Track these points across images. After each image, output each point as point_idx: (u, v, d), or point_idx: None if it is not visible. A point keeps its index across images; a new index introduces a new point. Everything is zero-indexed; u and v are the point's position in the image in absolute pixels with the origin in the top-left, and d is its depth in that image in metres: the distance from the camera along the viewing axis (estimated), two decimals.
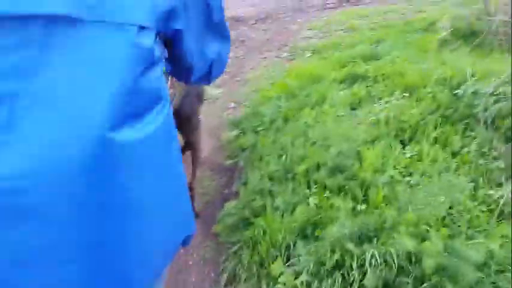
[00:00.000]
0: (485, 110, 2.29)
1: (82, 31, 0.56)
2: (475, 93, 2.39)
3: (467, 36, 4.31)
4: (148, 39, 0.62)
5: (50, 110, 0.55)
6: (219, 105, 3.86)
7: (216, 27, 0.86)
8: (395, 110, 2.52)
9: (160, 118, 0.67)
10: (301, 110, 2.85)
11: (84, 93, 0.57)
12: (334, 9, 6.55)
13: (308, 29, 5.64)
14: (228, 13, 6.17)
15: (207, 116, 3.63)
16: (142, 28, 0.61)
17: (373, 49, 3.78)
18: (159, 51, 0.67)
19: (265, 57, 4.88)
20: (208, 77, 0.96)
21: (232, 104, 3.85)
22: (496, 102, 2.25)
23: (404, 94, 2.67)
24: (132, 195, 0.64)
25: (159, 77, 0.67)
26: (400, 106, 2.56)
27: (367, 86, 2.99)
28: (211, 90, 3.88)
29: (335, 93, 2.95)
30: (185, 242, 0.84)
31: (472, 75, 2.56)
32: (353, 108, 2.81)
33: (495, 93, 2.29)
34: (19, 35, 0.53)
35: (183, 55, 0.79)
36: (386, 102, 2.61)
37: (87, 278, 0.63)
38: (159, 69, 0.67)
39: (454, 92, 2.55)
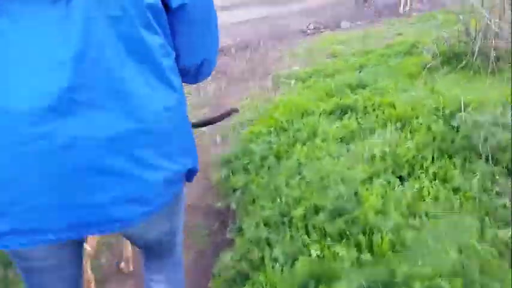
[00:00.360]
0: (484, 141, 2.22)
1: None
2: (470, 124, 2.33)
3: (450, 58, 4.31)
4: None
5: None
6: (205, 140, 3.74)
7: (215, 28, 1.03)
8: (390, 144, 2.44)
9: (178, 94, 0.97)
10: (293, 145, 2.75)
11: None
12: (313, 35, 6.57)
13: (290, 57, 5.61)
14: None
15: None
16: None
17: (359, 77, 3.73)
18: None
19: (248, 88, 4.80)
20: (196, 76, 1.09)
21: (219, 139, 3.74)
22: (494, 133, 2.19)
23: (398, 126, 2.60)
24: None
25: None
26: (394, 139, 2.48)
27: (357, 118, 2.92)
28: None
29: (326, 127, 2.87)
30: (189, 178, 1.09)
31: (465, 104, 2.51)
32: (346, 142, 2.72)
33: (492, 123, 2.23)
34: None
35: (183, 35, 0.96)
36: (381, 136, 2.53)
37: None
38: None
39: (449, 123, 2.48)
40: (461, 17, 4.22)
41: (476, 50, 3.91)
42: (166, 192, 0.98)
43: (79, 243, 1.10)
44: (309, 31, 6.77)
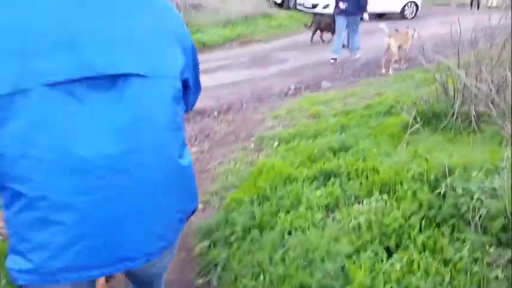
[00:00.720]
0: (472, 210, 2.17)
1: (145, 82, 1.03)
2: (457, 191, 2.28)
3: (430, 118, 4.36)
4: (179, 83, 1.13)
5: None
6: None
7: (198, 76, 1.34)
8: (376, 213, 2.37)
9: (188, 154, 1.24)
10: (276, 214, 2.66)
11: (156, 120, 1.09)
12: (294, 96, 6.65)
13: (272, 118, 5.63)
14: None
15: None
16: (176, 77, 1.11)
17: (341, 139, 3.71)
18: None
19: (231, 150, 4.75)
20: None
21: (201, 205, 3.62)
22: (482, 201, 2.13)
23: (383, 195, 2.53)
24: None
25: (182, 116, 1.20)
26: (380, 208, 2.41)
27: (341, 184, 2.86)
28: None
29: (309, 193, 2.79)
30: (190, 216, 1.33)
31: (450, 169, 2.48)
32: (330, 210, 2.64)
33: (479, 190, 2.18)
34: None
35: (188, 92, 1.27)
36: (366, 204, 2.46)
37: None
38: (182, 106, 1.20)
39: (435, 190, 2.43)
40: (438, 77, 4.31)
41: (456, 110, 3.97)
42: (178, 229, 1.26)
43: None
44: (290, 92, 6.87)
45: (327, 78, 7.55)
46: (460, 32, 4.31)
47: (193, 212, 1.35)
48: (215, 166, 4.38)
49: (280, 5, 16.73)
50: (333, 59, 8.72)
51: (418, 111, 4.42)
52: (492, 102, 3.76)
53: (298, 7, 16.50)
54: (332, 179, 2.94)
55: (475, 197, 2.21)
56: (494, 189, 2.20)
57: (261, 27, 12.46)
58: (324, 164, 3.21)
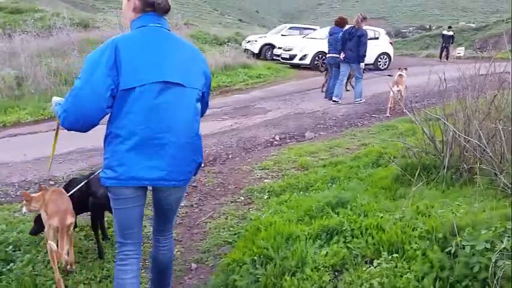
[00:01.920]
0: (485, 269, 2.11)
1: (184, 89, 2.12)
2: (468, 251, 2.23)
3: (421, 170, 4.35)
4: (199, 93, 2.22)
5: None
6: (177, 266, 3.44)
7: (209, 95, 2.40)
8: (388, 275, 2.28)
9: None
10: (281, 277, 2.53)
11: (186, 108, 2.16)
12: (279, 147, 6.65)
13: (260, 169, 5.57)
14: None
15: None
16: (199, 89, 2.21)
17: (337, 194, 3.65)
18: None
19: (221, 203, 4.63)
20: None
21: (194, 265, 3.45)
22: (495, 261, 2.09)
23: (392, 255, 2.46)
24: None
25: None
26: (391, 269, 2.33)
27: (345, 242, 2.78)
28: None
29: (314, 253, 2.69)
30: (196, 171, 2.31)
31: (458, 227, 2.44)
32: (337, 271, 2.54)
33: (493, 249, 2.14)
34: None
35: (204, 103, 2.36)
36: (377, 266, 2.37)
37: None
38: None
39: (444, 249, 2.38)
40: (425, 129, 4.36)
41: (446, 163, 4.00)
42: (190, 174, 2.25)
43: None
44: (275, 142, 6.87)
45: (310, 128, 7.61)
46: (445, 83, 4.41)
47: (200, 164, 2.31)
48: (205, 221, 4.24)
49: (258, 55, 17.15)
50: (334, 101, 9.56)
51: (408, 163, 4.45)
52: (481, 155, 3.82)
53: (275, 57, 16.96)
54: (335, 236, 2.86)
55: (487, 256, 2.17)
56: (506, 249, 2.17)
57: (240, 77, 12.67)
58: (324, 220, 3.14)
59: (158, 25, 2.11)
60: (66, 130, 2.13)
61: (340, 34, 9.51)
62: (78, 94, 2.01)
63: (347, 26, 9.63)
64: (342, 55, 9.40)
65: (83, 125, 2.04)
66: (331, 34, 10.05)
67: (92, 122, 2.03)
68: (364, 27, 9.39)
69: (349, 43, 9.25)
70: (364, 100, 9.69)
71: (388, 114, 8.44)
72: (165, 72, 2.03)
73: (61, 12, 17.98)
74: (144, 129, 2.01)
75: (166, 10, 2.15)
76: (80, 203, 3.22)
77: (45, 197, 2.99)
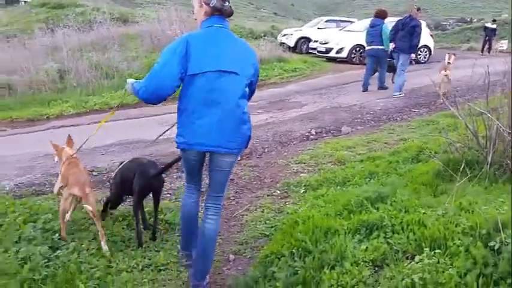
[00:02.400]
0: None
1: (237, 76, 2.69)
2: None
3: (463, 167, 4.23)
4: (248, 80, 2.78)
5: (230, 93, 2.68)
6: (216, 256, 3.50)
7: (256, 83, 2.98)
8: (430, 271, 2.25)
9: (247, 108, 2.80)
10: (320, 270, 2.54)
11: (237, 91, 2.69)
12: (315, 141, 6.61)
13: (296, 163, 5.56)
14: None
15: None
16: (248, 77, 2.77)
17: (377, 189, 3.61)
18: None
19: (257, 196, 4.66)
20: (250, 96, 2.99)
21: (232, 256, 3.50)
22: None
23: (434, 250, 2.42)
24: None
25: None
26: (433, 265, 2.29)
27: (386, 237, 2.75)
28: None
29: (353, 248, 2.68)
30: (247, 143, 2.87)
31: (502, 224, 2.37)
32: (378, 266, 2.52)
33: None
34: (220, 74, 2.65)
35: (252, 89, 2.93)
36: (418, 262, 2.34)
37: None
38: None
39: (487, 245, 2.32)
40: (469, 124, 4.23)
41: (489, 159, 3.88)
42: (243, 144, 2.81)
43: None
44: (311, 136, 6.83)
45: (346, 123, 7.53)
46: (489, 76, 4.26)
47: (249, 137, 2.85)
48: (242, 213, 4.29)
49: (293, 49, 17.06)
50: (394, 95, 9.57)
51: (450, 158, 4.34)
52: None
53: (311, 51, 16.82)
54: (375, 232, 2.83)
55: None
56: None
57: (276, 71, 12.65)
58: (362, 214, 3.11)
59: (221, 26, 2.70)
60: (143, 101, 2.85)
61: (386, 25, 9.74)
62: (157, 74, 2.66)
63: (396, 18, 9.59)
64: (392, 45, 9.51)
65: (156, 98, 2.73)
66: (372, 26, 10.04)
67: (163, 96, 2.70)
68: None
69: (401, 32, 9.30)
70: (403, 94, 9.55)
71: (441, 100, 8.01)
72: (221, 63, 2.63)
73: (101, 7, 18.45)
74: (204, 106, 2.64)
75: (230, 14, 2.74)
76: (126, 184, 3.52)
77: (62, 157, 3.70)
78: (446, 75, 8.46)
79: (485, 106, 4.24)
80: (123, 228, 3.69)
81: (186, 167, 3.02)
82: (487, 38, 20.53)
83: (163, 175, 3.78)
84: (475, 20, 39.03)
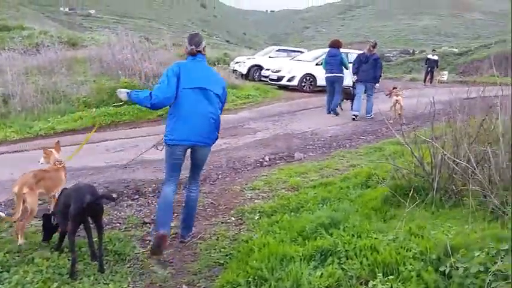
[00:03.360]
0: None
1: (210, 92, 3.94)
2: (462, 272, 2.26)
3: (410, 192, 4.38)
4: (218, 97, 4.04)
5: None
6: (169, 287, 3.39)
7: (225, 101, 4.26)
8: None
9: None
10: None
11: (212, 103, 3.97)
12: (269, 167, 6.66)
13: (250, 189, 5.57)
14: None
15: None
16: (219, 95, 4.04)
17: (330, 215, 3.67)
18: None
19: (211, 224, 4.59)
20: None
21: (185, 287, 3.40)
22: (490, 282, 2.11)
23: (387, 276, 2.47)
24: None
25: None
26: None
27: (340, 263, 2.78)
28: None
29: (308, 275, 2.69)
30: (215, 140, 4.10)
31: (451, 249, 2.47)
32: None
33: (486, 271, 2.17)
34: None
35: (222, 104, 4.17)
36: (373, 287, 2.38)
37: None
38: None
39: (439, 269, 2.40)
40: (415, 153, 4.41)
41: (435, 186, 4.05)
42: (214, 140, 4.05)
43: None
44: (265, 163, 6.88)
45: (299, 149, 7.66)
46: (434, 105, 4.48)
47: (216, 139, 4.05)
48: (196, 242, 4.20)
49: (246, 76, 17.30)
50: (354, 115, 10.61)
51: (397, 184, 4.49)
52: (470, 177, 3.89)
53: (263, 78, 17.13)
54: (330, 257, 2.86)
55: (481, 278, 2.20)
56: (500, 270, 2.19)
57: (229, 97, 12.72)
58: (318, 241, 3.14)
59: (200, 59, 3.99)
60: (151, 107, 3.85)
61: (343, 57, 10.96)
62: (162, 87, 3.77)
63: (356, 51, 10.61)
64: (355, 78, 10.80)
65: (164, 103, 3.80)
66: (332, 55, 11.00)
67: (169, 102, 3.81)
68: (347, 51, 10.36)
69: (364, 66, 10.49)
70: (373, 116, 10.64)
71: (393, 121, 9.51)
72: (201, 82, 3.88)
73: (49, 30, 17.96)
74: (186, 111, 3.80)
75: (203, 55, 4.02)
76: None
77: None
78: (397, 101, 9.85)
79: (430, 134, 4.45)
80: (69, 259, 3.51)
81: (169, 164, 3.99)
82: (429, 68, 21.72)
83: (105, 201, 4.12)
84: (417, 52, 41.36)
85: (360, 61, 10.64)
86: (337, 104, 11.10)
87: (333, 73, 10.91)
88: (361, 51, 11.07)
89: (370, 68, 10.43)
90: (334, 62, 10.88)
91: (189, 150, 3.97)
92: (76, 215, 3.32)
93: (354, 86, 11.16)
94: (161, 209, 3.94)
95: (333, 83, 10.97)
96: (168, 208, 3.94)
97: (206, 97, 3.87)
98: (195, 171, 4.18)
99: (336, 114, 10.96)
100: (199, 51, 3.96)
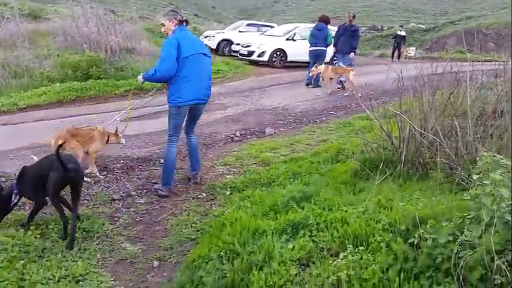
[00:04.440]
0: (447, 260, 2.19)
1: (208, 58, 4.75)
2: (430, 242, 2.30)
3: (378, 165, 4.45)
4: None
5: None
6: (139, 264, 3.36)
7: None
8: (354, 267, 2.33)
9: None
10: (249, 272, 2.52)
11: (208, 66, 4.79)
12: (240, 143, 6.63)
13: (221, 165, 5.54)
14: (135, 155, 5.82)
15: (125, 282, 3.11)
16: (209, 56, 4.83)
17: (301, 189, 3.69)
18: None
19: (182, 200, 4.56)
20: None
21: (156, 263, 3.37)
22: (458, 251, 2.17)
23: (357, 247, 2.51)
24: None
25: None
26: (357, 261, 2.37)
27: (311, 235, 2.81)
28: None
29: (280, 248, 2.70)
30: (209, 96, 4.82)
31: (420, 220, 2.51)
32: (304, 264, 2.56)
33: (454, 241, 2.22)
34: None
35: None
36: (343, 259, 2.41)
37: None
38: None
39: (408, 241, 2.45)
40: (383, 127, 4.47)
41: (403, 159, 4.12)
42: (208, 96, 4.77)
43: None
44: (236, 138, 6.84)
45: (270, 124, 7.64)
46: (402, 81, 4.52)
47: (209, 96, 4.78)
48: (167, 217, 4.16)
49: (215, 51, 17.02)
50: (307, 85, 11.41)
51: (366, 158, 4.55)
52: (437, 150, 3.97)
53: (233, 53, 16.90)
54: (301, 231, 2.88)
55: (449, 248, 2.25)
56: (467, 240, 2.25)
57: None
58: (289, 215, 3.15)
59: (186, 28, 4.63)
60: (159, 81, 4.73)
61: (329, 33, 11.29)
62: (164, 60, 4.31)
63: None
64: (334, 49, 11.34)
65: (168, 76, 4.38)
66: (319, 29, 11.38)
67: (172, 74, 4.35)
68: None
69: (342, 38, 10.89)
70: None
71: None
72: (197, 48, 4.52)
73: (9, 2, 17.05)
74: (191, 75, 4.41)
75: (187, 23, 4.67)
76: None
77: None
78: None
79: (398, 108, 4.50)
80: (35, 237, 3.41)
81: (175, 123, 4.62)
82: (397, 44, 21.93)
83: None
84: (385, 28, 41.60)
85: (340, 32, 11.03)
86: (319, 78, 11.36)
87: (317, 46, 11.34)
88: (342, 23, 11.40)
89: (348, 39, 10.84)
90: (320, 36, 11.29)
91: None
92: (57, 182, 3.39)
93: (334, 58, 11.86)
94: (169, 166, 4.65)
95: (317, 56, 11.34)
96: (174, 164, 4.72)
97: (203, 60, 4.56)
98: (193, 125, 4.91)
99: (318, 86, 11.29)
100: (187, 21, 4.67)
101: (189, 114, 4.67)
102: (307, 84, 11.50)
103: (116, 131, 5.31)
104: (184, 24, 4.55)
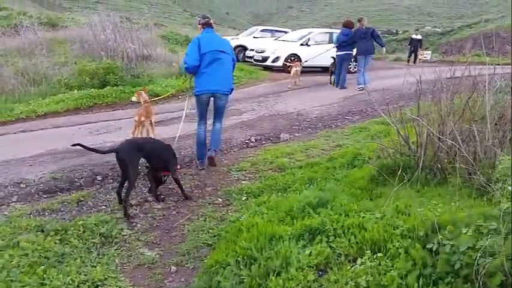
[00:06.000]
0: (466, 266, 2.17)
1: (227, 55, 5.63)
2: (449, 249, 2.28)
3: (395, 171, 4.41)
4: (231, 57, 5.74)
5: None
6: (156, 269, 3.38)
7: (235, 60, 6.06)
8: (372, 273, 2.31)
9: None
10: (266, 277, 2.52)
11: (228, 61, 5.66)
12: (255, 148, 6.64)
13: (237, 170, 5.55)
14: None
15: (144, 287, 3.14)
16: (232, 55, 5.78)
17: (317, 194, 3.68)
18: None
19: (198, 205, 4.58)
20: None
21: (174, 268, 3.39)
22: (477, 258, 2.14)
23: (375, 253, 2.49)
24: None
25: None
26: (375, 267, 2.36)
27: (328, 242, 2.80)
28: None
29: (297, 253, 2.70)
30: (231, 91, 5.81)
31: (438, 225, 2.49)
32: (322, 270, 2.55)
33: (474, 248, 2.20)
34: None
35: (234, 63, 5.88)
36: (361, 265, 2.40)
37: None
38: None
39: (425, 246, 2.43)
40: (401, 132, 4.43)
41: (421, 164, 4.09)
42: (230, 90, 5.71)
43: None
44: (251, 144, 6.86)
45: (285, 130, 7.64)
46: (420, 85, 4.48)
47: (232, 89, 5.77)
48: (183, 223, 4.19)
49: None
50: (360, 89, 11.56)
51: (383, 164, 4.52)
52: (455, 155, 3.93)
53: (248, 59, 16.97)
54: (318, 236, 2.87)
55: (468, 254, 2.22)
56: (486, 247, 2.22)
57: None
58: (306, 220, 3.15)
59: (211, 31, 5.58)
60: (188, 73, 5.71)
61: (342, 34, 11.98)
62: (188, 54, 5.38)
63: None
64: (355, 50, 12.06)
65: (193, 69, 5.43)
66: (345, 35, 11.98)
67: (194, 65, 5.35)
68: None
69: (363, 40, 11.54)
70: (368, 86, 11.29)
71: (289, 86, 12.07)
72: (216, 46, 5.42)
73: (28, 11, 17.42)
74: (207, 68, 5.35)
75: (211, 25, 5.61)
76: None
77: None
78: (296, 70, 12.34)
79: (415, 113, 4.46)
80: (55, 243, 3.47)
81: (199, 110, 5.64)
82: (413, 48, 21.71)
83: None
84: (400, 32, 41.34)
85: (358, 36, 11.61)
86: (344, 80, 12.10)
87: (343, 51, 12.00)
88: (357, 28, 11.89)
89: (368, 41, 11.57)
90: (347, 40, 11.87)
91: (212, 100, 5.56)
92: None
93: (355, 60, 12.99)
94: (199, 144, 5.69)
95: (343, 60, 12.07)
96: (203, 143, 5.68)
97: (221, 56, 5.40)
98: (218, 115, 5.74)
99: (344, 88, 11.97)
100: (210, 24, 5.59)
101: (213, 106, 5.61)
102: (341, 87, 12.07)
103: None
104: (209, 26, 5.58)
